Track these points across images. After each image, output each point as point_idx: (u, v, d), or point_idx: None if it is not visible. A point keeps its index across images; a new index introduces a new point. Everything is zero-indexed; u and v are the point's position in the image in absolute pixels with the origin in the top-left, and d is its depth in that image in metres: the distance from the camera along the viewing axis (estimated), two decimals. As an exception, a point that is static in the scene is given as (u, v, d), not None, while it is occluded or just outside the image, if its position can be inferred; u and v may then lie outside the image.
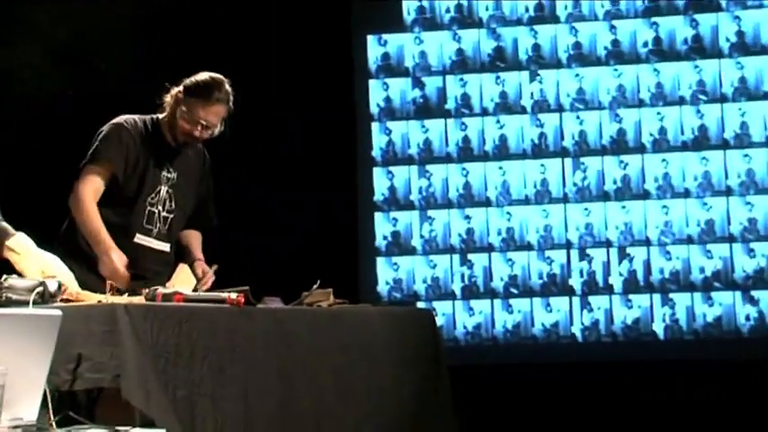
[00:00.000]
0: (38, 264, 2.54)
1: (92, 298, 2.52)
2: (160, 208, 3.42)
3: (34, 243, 2.61)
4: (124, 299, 2.52)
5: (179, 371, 2.32)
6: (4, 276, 2.33)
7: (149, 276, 3.33)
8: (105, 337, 2.17)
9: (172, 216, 3.45)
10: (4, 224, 2.62)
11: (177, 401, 2.29)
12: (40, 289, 2.28)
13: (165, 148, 3.42)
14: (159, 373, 2.25)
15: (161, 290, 2.61)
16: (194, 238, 3.61)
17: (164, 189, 3.42)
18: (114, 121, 3.40)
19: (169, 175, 3.44)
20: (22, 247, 2.57)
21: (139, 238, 3.38)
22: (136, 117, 3.43)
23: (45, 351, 1.95)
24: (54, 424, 2.03)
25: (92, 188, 3.29)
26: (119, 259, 3.21)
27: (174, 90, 3.40)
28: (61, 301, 2.39)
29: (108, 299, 2.49)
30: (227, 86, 3.39)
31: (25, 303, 2.25)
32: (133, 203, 3.36)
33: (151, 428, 2.13)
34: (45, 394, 1.99)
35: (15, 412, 1.90)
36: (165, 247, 3.44)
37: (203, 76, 3.39)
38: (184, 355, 2.36)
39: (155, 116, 3.45)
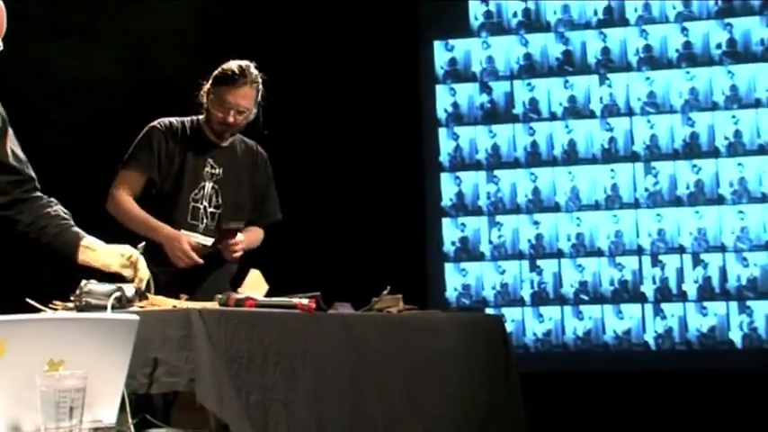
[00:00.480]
0: (115, 250, 2.63)
1: (167, 303, 2.55)
2: (206, 203, 3.43)
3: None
4: (198, 304, 2.54)
5: (252, 376, 2.34)
6: (83, 281, 2.36)
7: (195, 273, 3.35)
8: (180, 341, 2.19)
9: (219, 212, 3.46)
10: (77, 228, 2.68)
11: (250, 406, 2.31)
12: (117, 294, 2.31)
13: (206, 144, 3.46)
14: (233, 377, 2.27)
15: (233, 295, 2.63)
16: (249, 233, 3.57)
17: (208, 185, 3.44)
18: (149, 125, 3.46)
19: (213, 171, 3.45)
20: (96, 243, 2.64)
21: (185, 234, 3.38)
22: (172, 118, 3.48)
23: (123, 355, 1.98)
24: (132, 427, 2.05)
25: (126, 189, 3.36)
26: (179, 237, 3.26)
27: (206, 85, 3.45)
28: (137, 306, 2.43)
29: (182, 304, 2.52)
30: (254, 69, 3.41)
31: (103, 308, 2.28)
32: (176, 200, 3.39)
33: (225, 432, 2.15)
34: (123, 397, 2.02)
35: (95, 414, 1.93)
36: (209, 241, 3.44)
37: (229, 63, 3.42)
38: (257, 359, 2.37)
39: (195, 117, 3.50)
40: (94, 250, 2.62)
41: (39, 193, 2.68)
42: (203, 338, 2.22)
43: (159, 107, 3.56)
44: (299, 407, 2.48)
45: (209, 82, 3.43)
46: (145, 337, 2.14)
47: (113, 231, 3.31)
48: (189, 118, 3.50)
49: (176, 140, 3.42)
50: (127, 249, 2.65)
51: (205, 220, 3.44)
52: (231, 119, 3.39)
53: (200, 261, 3.31)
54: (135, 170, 3.39)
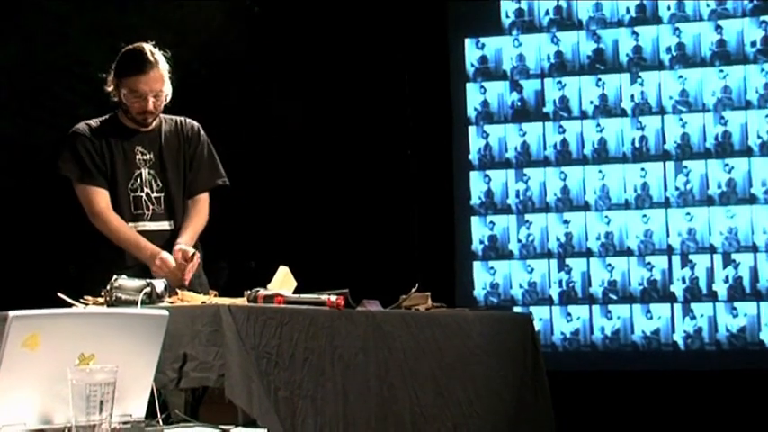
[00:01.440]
0: None
1: (196, 299, 2.57)
2: (147, 190, 3.40)
3: None
4: (228, 300, 2.56)
5: (280, 372, 2.35)
6: (114, 276, 2.39)
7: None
8: (210, 337, 2.21)
9: (163, 194, 3.42)
10: None
11: (279, 402, 2.32)
12: (148, 289, 2.34)
13: (129, 133, 3.41)
14: (261, 373, 2.28)
15: (262, 291, 2.65)
16: (195, 213, 3.48)
17: (144, 172, 3.40)
18: (68, 134, 3.40)
19: (145, 157, 3.41)
20: None
21: (132, 226, 3.35)
22: (88, 121, 3.43)
23: (153, 350, 2.00)
24: (161, 421, 2.07)
25: (103, 202, 3.31)
26: (168, 258, 3.21)
27: (109, 77, 3.38)
28: (167, 301, 2.45)
29: (212, 300, 2.54)
30: (153, 48, 3.34)
31: (134, 303, 2.30)
32: (114, 195, 3.35)
33: (253, 428, 2.16)
34: (152, 392, 2.04)
35: (124, 408, 1.95)
36: (164, 225, 3.41)
37: (125, 52, 3.35)
38: (285, 356, 2.39)
39: (110, 113, 3.44)
40: None
41: None
42: (233, 334, 2.23)
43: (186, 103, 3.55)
44: (327, 403, 2.50)
45: (114, 73, 3.35)
46: (174, 332, 2.16)
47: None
48: (105, 116, 3.45)
49: (100, 138, 3.37)
50: None
51: (151, 207, 3.40)
52: (150, 106, 3.33)
53: (186, 279, 3.19)
54: (89, 182, 3.32)
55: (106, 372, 1.84)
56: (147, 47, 3.34)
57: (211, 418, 2.18)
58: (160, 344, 2.01)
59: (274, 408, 2.28)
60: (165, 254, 3.22)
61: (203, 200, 3.51)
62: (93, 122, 3.42)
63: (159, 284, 2.40)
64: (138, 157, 3.40)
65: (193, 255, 3.18)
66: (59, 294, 2.39)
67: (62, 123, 4.73)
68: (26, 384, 1.85)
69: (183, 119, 3.54)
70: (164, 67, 3.33)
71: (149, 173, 3.41)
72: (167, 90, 3.34)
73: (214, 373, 2.18)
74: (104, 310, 2.29)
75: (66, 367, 1.84)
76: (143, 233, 3.33)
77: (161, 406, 2.12)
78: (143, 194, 3.39)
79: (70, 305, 2.39)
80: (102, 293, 2.41)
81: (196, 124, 3.55)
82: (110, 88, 3.38)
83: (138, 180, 3.39)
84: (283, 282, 3.08)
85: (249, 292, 2.68)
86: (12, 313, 1.82)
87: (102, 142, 3.37)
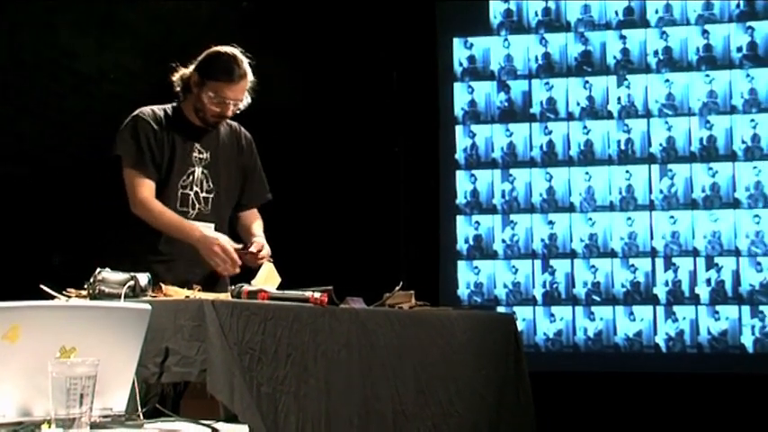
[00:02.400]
0: None
1: (180, 293, 2.57)
2: (197, 189, 3.39)
3: None
4: (212, 295, 2.55)
5: (263, 367, 2.35)
6: (98, 269, 2.38)
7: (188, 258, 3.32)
8: (193, 332, 2.20)
9: (212, 196, 3.42)
10: None
11: (261, 398, 2.32)
12: (131, 283, 2.33)
13: (191, 129, 3.39)
14: (244, 369, 2.28)
15: (246, 287, 2.64)
16: (252, 219, 3.55)
17: (198, 170, 3.39)
18: (132, 115, 3.37)
19: (201, 156, 3.41)
20: None
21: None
22: (154, 106, 3.41)
23: (135, 344, 1.99)
24: (141, 415, 2.07)
25: (147, 190, 3.28)
26: (228, 245, 3.19)
27: (188, 73, 3.35)
28: (150, 295, 2.44)
29: (195, 294, 2.53)
30: (243, 56, 3.34)
31: (117, 296, 2.30)
32: (164, 188, 3.33)
33: (235, 423, 2.16)
34: (133, 386, 2.03)
35: (105, 402, 1.94)
36: (209, 227, 3.39)
37: (220, 53, 3.33)
38: (269, 352, 2.38)
39: (174, 104, 3.41)
40: None
41: None
42: (216, 329, 2.23)
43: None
44: (310, 400, 2.50)
45: (198, 71, 3.33)
46: (157, 326, 2.15)
47: (133, 222, 3.33)
48: (168, 105, 3.42)
49: (162, 128, 3.35)
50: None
51: (197, 206, 3.39)
52: (229, 112, 3.35)
53: (238, 263, 3.21)
54: (141, 170, 3.29)
55: (87, 365, 1.83)
56: (240, 54, 3.33)
57: (193, 412, 2.17)
58: (142, 338, 2.01)
59: (256, 403, 2.28)
60: (224, 239, 3.22)
61: (256, 213, 3.58)
62: (158, 110, 3.39)
63: (143, 278, 2.39)
64: (194, 154, 3.39)
65: (264, 255, 3.22)
66: (42, 287, 2.38)
67: (49, 115, 4.72)
68: (6, 376, 1.84)
69: (238, 125, 3.54)
70: (250, 77, 3.34)
71: (203, 172, 3.40)
72: (247, 100, 3.36)
73: (196, 368, 2.17)
74: (86, 303, 2.28)
75: (47, 360, 1.83)
76: None
77: (142, 400, 2.11)
78: (191, 192, 3.38)
79: (52, 297, 2.38)
80: (86, 286, 2.40)
81: (249, 135, 3.56)
82: (177, 78, 3.36)
83: (191, 177, 3.38)
84: (268, 278, 3.08)
85: (233, 287, 2.67)
86: (-7, 305, 1.82)
87: (164, 133, 3.35)
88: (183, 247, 3.26)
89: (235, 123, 3.54)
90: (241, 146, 3.53)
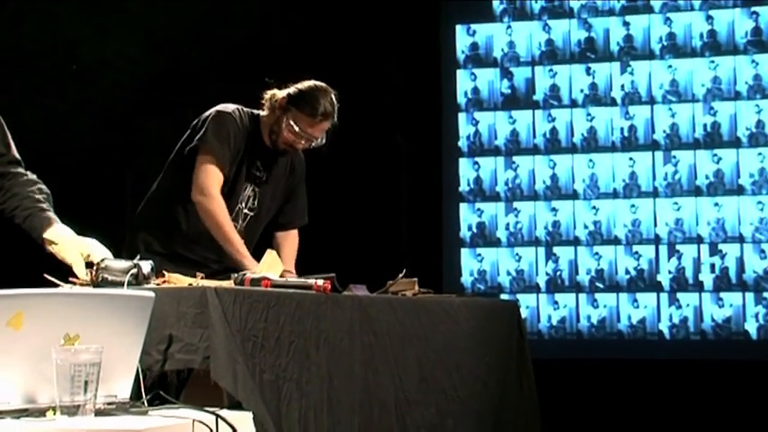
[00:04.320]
0: (76, 248, 2.49)
1: (183, 281, 2.57)
2: (242, 205, 3.38)
3: (72, 231, 2.55)
4: (214, 283, 2.55)
5: (266, 355, 2.35)
6: (102, 257, 2.38)
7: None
8: (196, 319, 2.20)
9: (252, 215, 3.40)
10: (50, 214, 2.55)
11: (264, 385, 2.32)
12: (134, 270, 2.33)
13: (260, 146, 3.36)
14: (247, 356, 2.28)
15: (249, 274, 2.64)
16: (289, 242, 3.52)
17: (249, 187, 3.37)
18: (225, 109, 3.32)
19: (258, 174, 3.38)
20: (58, 237, 2.52)
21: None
22: (241, 109, 3.37)
23: (138, 331, 2.00)
24: (146, 402, 2.07)
25: (217, 183, 3.23)
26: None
27: (279, 95, 3.31)
28: (153, 283, 2.44)
29: (198, 282, 2.53)
30: (335, 99, 3.32)
31: (120, 284, 2.30)
32: (229, 198, 3.30)
33: (238, 410, 2.16)
34: (137, 373, 2.03)
35: (109, 389, 1.95)
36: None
37: (313, 88, 3.31)
38: (271, 339, 2.39)
39: (256, 112, 3.38)
40: (57, 243, 2.50)
41: (21, 170, 2.59)
42: (219, 316, 2.23)
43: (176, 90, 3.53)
44: (312, 387, 2.50)
45: (286, 97, 3.29)
46: (160, 313, 2.16)
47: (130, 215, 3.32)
48: (251, 112, 3.37)
49: (243, 136, 3.32)
50: (85, 245, 2.48)
51: (239, 221, 3.38)
52: (300, 146, 3.34)
53: None
54: (216, 164, 3.23)
55: (91, 352, 1.84)
56: (333, 95, 3.32)
57: (196, 400, 2.18)
58: (146, 325, 2.01)
59: (259, 390, 2.29)
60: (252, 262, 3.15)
61: (295, 235, 3.55)
62: (244, 116, 3.34)
63: (146, 266, 2.39)
64: (253, 170, 3.37)
65: None
66: (45, 276, 2.38)
67: (49, 103, 4.71)
68: (10, 364, 1.85)
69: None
70: (334, 120, 3.32)
71: (253, 190, 3.39)
72: (323, 140, 3.34)
73: (199, 355, 2.18)
74: (90, 290, 2.28)
75: (51, 347, 1.83)
76: None
77: (146, 387, 2.12)
78: (240, 207, 3.37)
79: (56, 285, 2.38)
80: (89, 274, 2.40)
81: (304, 158, 3.53)
82: (267, 95, 3.32)
83: (244, 192, 3.36)
84: (271, 265, 3.08)
85: (236, 275, 2.68)
86: (-4, 292, 1.82)
87: (243, 142, 3.32)
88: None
89: None
90: (294, 167, 3.51)
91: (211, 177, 3.23)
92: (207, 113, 3.34)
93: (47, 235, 2.51)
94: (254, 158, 3.37)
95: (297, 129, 3.28)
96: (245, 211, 3.39)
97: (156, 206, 3.40)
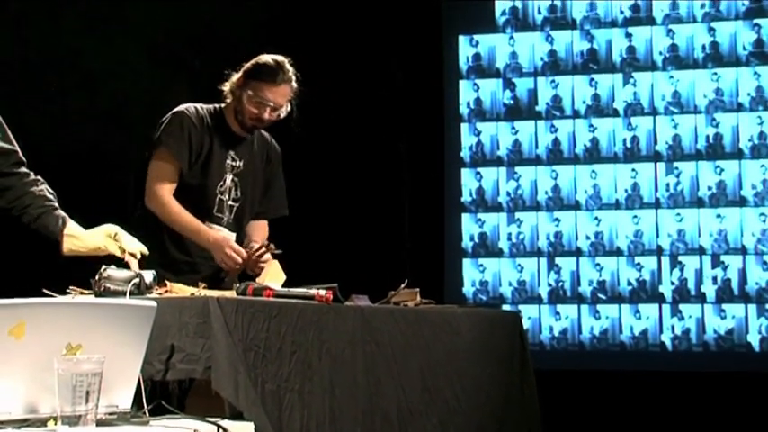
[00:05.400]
0: (101, 232, 2.60)
1: (185, 291, 2.57)
2: (226, 197, 3.41)
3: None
4: (216, 292, 2.55)
5: (268, 365, 2.35)
6: (103, 266, 2.38)
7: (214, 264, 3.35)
8: (198, 329, 2.20)
9: (237, 205, 3.43)
10: (62, 212, 2.62)
11: (265, 395, 2.32)
12: (136, 280, 2.33)
13: (229, 135, 3.40)
14: (249, 366, 2.28)
15: (252, 284, 2.64)
16: (258, 230, 3.55)
17: (229, 178, 3.40)
18: (175, 109, 3.38)
19: (234, 164, 3.41)
20: (78, 231, 2.61)
21: (210, 227, 3.34)
22: (198, 105, 3.41)
23: (140, 341, 1.99)
24: (147, 412, 2.07)
25: (166, 184, 3.29)
26: (226, 241, 3.25)
27: (236, 76, 3.36)
28: (155, 292, 2.44)
29: (201, 292, 2.53)
30: (290, 66, 3.36)
31: (122, 294, 2.30)
32: (203, 191, 3.35)
33: (240, 420, 2.16)
34: (139, 383, 2.03)
35: (111, 399, 1.94)
36: (233, 236, 3.42)
37: (265, 58, 3.35)
38: (273, 349, 2.38)
39: (217, 105, 3.42)
40: (78, 237, 2.58)
41: (25, 170, 2.63)
42: (221, 326, 2.23)
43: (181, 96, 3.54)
44: (314, 397, 2.49)
45: (242, 74, 3.35)
46: (162, 323, 2.16)
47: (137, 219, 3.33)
48: (211, 106, 3.43)
49: (204, 129, 3.36)
50: (109, 227, 2.62)
51: (226, 214, 3.41)
52: (266, 115, 3.33)
53: (240, 261, 3.27)
54: (169, 162, 3.30)
55: (93, 362, 1.83)
56: (287, 63, 3.36)
57: (198, 410, 2.17)
58: (147, 335, 2.01)
59: (261, 401, 2.28)
60: (234, 243, 3.28)
61: (265, 225, 3.58)
62: (201, 109, 3.40)
63: (148, 275, 2.39)
64: (228, 161, 3.41)
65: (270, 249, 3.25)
66: (44, 291, 2.37)
67: (53, 111, 4.72)
68: (12, 373, 1.85)
69: (270, 137, 3.56)
70: (293, 86, 3.36)
71: (233, 180, 3.42)
72: (285, 109, 3.36)
73: (201, 365, 2.18)
74: (92, 300, 2.28)
75: (53, 357, 1.83)
76: None
77: (148, 397, 2.11)
78: (224, 199, 3.41)
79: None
80: (91, 283, 2.40)
81: (279, 148, 3.58)
82: (227, 87, 3.38)
83: (224, 184, 3.40)
84: (273, 275, 3.09)
85: (239, 284, 2.67)
86: (-2, 301, 1.82)
87: (205, 136, 3.36)
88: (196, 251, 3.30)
89: (267, 134, 3.55)
90: (269, 157, 3.54)
91: (159, 179, 3.30)
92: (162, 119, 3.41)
93: (67, 231, 2.56)
94: (225, 149, 3.40)
95: (259, 98, 3.31)
96: (230, 203, 3.42)
97: (145, 212, 3.42)
